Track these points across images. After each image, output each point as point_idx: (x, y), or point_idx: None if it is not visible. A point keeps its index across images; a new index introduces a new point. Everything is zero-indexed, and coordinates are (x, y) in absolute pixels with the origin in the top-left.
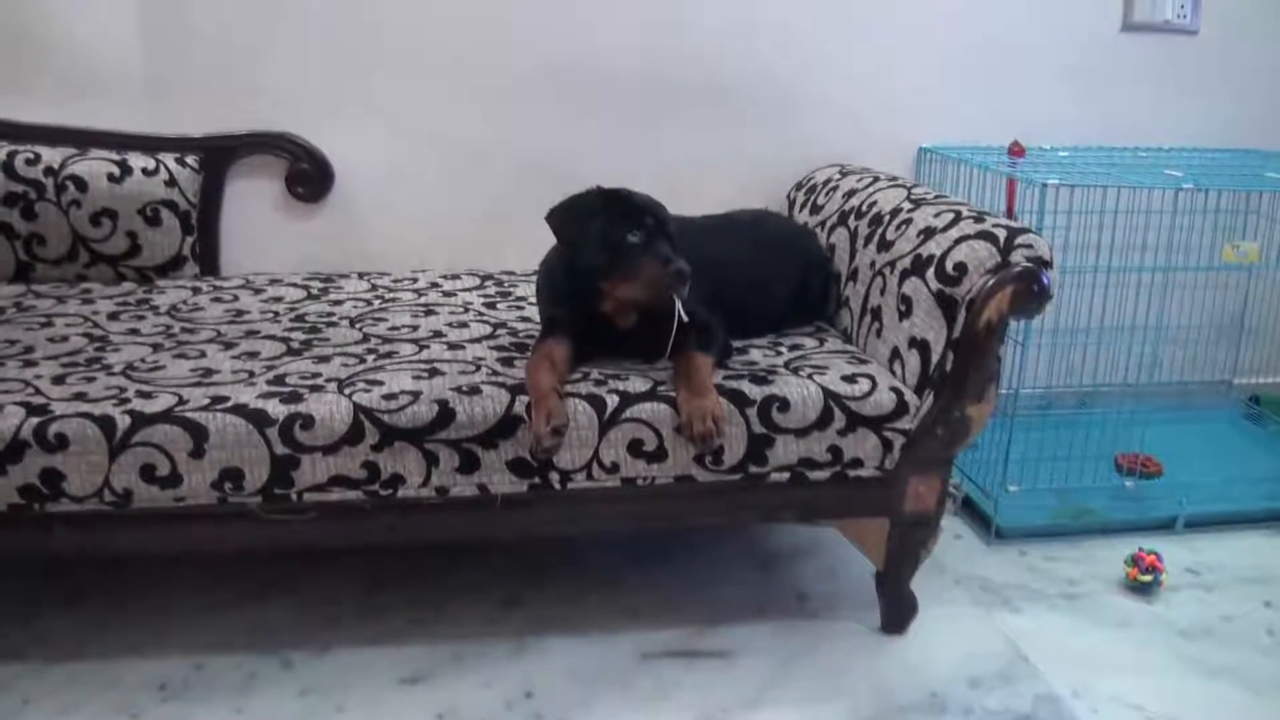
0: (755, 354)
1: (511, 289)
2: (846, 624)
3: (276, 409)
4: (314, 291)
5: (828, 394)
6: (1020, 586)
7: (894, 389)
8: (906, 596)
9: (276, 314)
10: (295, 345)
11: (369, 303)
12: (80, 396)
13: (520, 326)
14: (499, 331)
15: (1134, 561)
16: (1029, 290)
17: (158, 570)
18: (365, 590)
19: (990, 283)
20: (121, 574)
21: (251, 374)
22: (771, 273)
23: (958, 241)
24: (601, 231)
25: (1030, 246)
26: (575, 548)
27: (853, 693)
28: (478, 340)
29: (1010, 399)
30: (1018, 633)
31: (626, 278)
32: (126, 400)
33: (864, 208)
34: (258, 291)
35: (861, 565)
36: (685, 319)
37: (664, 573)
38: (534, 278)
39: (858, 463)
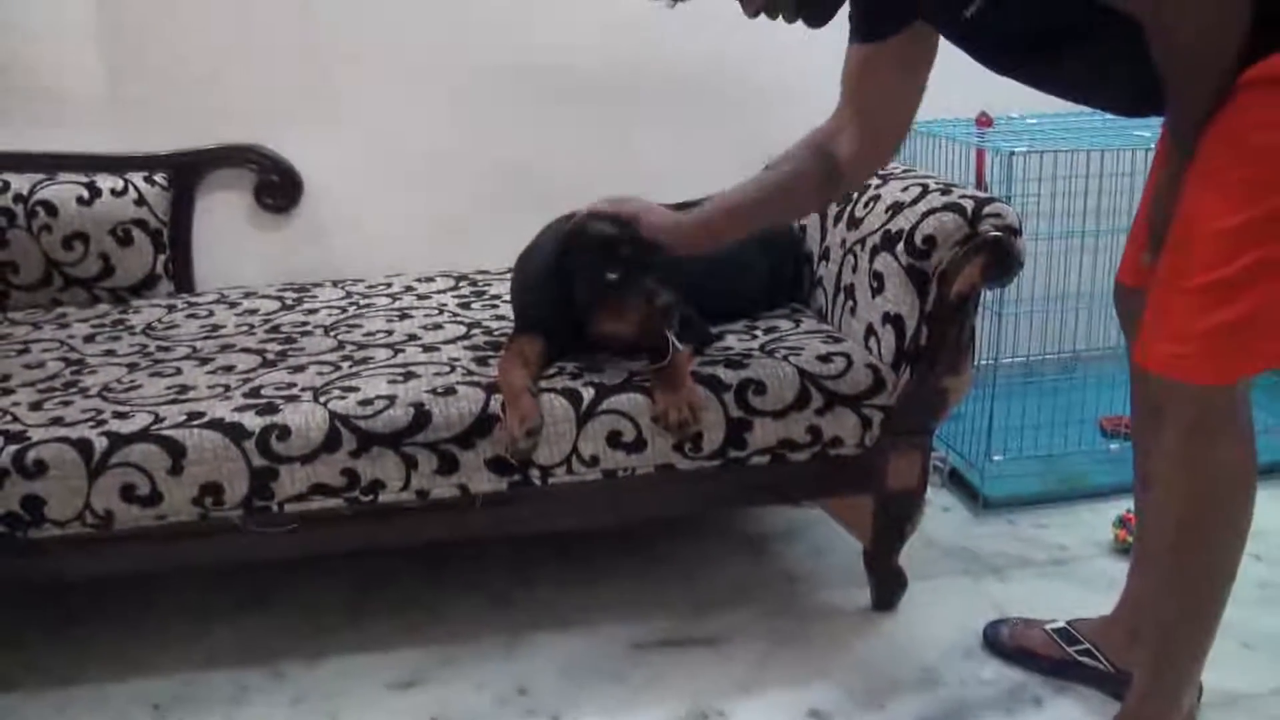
0: (730, 339)
1: (486, 288)
2: (837, 603)
3: (252, 421)
4: (288, 302)
5: (803, 374)
6: (1009, 555)
7: (870, 366)
8: (895, 572)
9: (251, 326)
10: (270, 357)
11: (343, 310)
12: (57, 421)
13: (495, 325)
14: (473, 331)
15: (1122, 524)
16: (999, 259)
17: (145, 589)
18: (354, 597)
19: (960, 254)
20: (109, 595)
21: (227, 388)
22: (743, 257)
23: (926, 215)
24: (557, 298)
25: (999, 216)
26: (561, 543)
27: (845, 672)
28: (452, 341)
29: (990, 369)
30: (1009, 602)
31: (612, 317)
32: (103, 422)
33: None
34: (232, 305)
35: (849, 544)
36: (679, 348)
37: (651, 562)
38: (508, 275)
39: (838, 441)
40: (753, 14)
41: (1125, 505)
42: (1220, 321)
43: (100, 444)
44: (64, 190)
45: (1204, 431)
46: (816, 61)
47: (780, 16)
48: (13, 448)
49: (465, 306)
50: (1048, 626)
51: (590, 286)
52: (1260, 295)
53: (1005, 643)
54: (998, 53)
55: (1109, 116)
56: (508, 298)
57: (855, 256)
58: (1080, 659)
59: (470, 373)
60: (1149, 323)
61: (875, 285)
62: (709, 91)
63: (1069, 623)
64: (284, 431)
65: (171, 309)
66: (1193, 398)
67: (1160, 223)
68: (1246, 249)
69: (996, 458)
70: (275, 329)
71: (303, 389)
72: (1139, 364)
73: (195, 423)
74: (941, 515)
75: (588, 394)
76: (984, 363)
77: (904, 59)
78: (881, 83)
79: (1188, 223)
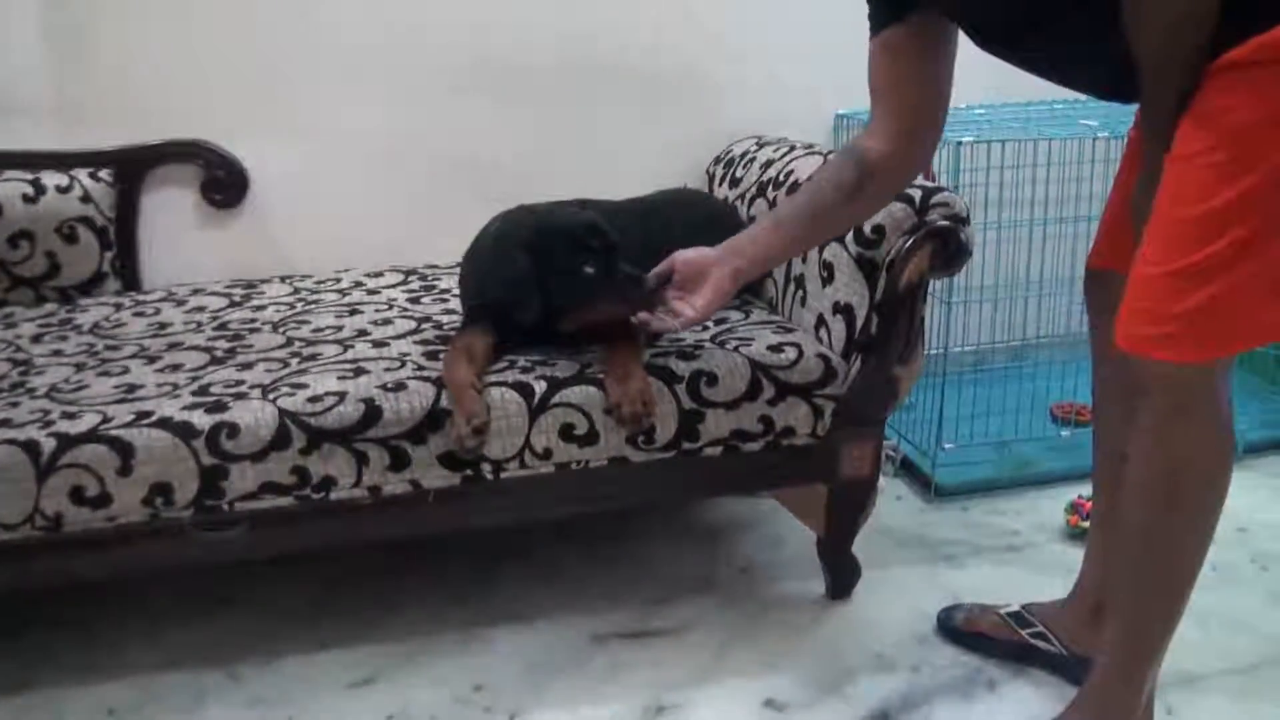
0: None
1: (435, 282)
2: (792, 593)
3: (201, 420)
4: (236, 299)
5: (755, 365)
6: (963, 542)
7: (821, 355)
8: (849, 561)
9: (199, 324)
10: (219, 354)
11: (292, 306)
12: (5, 423)
13: (445, 319)
14: (423, 326)
15: (1074, 509)
16: (947, 248)
17: (98, 594)
18: (310, 597)
19: (908, 243)
20: (62, 601)
21: (175, 386)
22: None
23: None
24: (539, 289)
25: (946, 205)
26: (518, 538)
27: (802, 659)
28: (402, 336)
29: (941, 358)
30: (962, 588)
31: (598, 310)
32: (51, 423)
33: (781, 177)
34: (180, 303)
35: (803, 534)
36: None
37: (608, 555)
38: (458, 269)
39: (790, 431)
40: None
41: (1077, 491)
42: (1197, 303)
43: (48, 445)
44: (8, 188)
45: (1182, 410)
46: (765, 45)
47: None
48: None
49: (415, 301)
50: (1001, 611)
51: (572, 285)
52: (1236, 277)
53: (959, 628)
54: (988, 36)
55: (1055, 106)
56: (457, 291)
57: None
58: (1034, 642)
59: (420, 368)
60: (1128, 305)
61: (825, 275)
62: (662, 79)
63: (1023, 607)
64: (233, 429)
65: (119, 307)
66: (1170, 377)
67: (1142, 219)
68: (1222, 232)
69: (948, 445)
70: (223, 326)
71: (251, 386)
72: (1118, 346)
73: (144, 422)
74: (894, 504)
75: (540, 387)
76: (934, 352)
77: (925, 42)
78: (905, 70)
79: (1165, 207)
